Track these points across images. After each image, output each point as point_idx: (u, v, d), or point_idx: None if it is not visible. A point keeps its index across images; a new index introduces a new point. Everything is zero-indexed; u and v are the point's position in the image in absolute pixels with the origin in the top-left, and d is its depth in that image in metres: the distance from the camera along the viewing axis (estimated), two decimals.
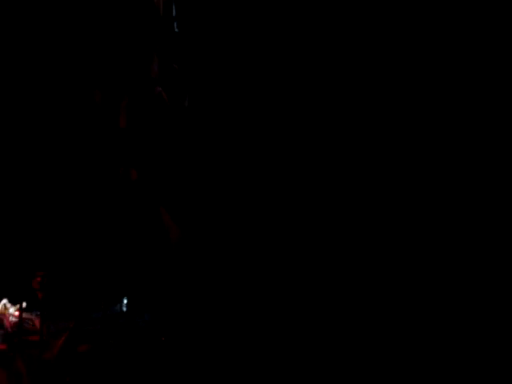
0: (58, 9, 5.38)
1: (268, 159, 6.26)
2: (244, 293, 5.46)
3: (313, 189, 6.38)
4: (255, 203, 5.63)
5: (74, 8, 5.30)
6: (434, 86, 6.32)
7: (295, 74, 6.42)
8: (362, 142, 6.47)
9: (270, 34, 6.33)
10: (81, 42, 5.26)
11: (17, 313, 5.35)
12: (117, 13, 5.12)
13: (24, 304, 5.31)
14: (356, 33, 6.47)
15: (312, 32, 6.50)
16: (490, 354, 5.66)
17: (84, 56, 5.24)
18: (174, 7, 5.35)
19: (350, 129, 6.52)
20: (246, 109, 6.26)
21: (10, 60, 5.51)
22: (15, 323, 5.30)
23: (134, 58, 5.08)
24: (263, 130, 6.28)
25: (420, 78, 6.36)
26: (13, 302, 5.39)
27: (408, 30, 6.37)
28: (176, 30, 5.47)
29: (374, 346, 5.91)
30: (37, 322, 5.30)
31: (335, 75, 6.47)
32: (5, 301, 5.39)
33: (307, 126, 6.43)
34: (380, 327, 5.98)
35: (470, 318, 5.80)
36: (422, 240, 6.14)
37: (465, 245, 6.01)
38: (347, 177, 6.46)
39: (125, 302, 5.10)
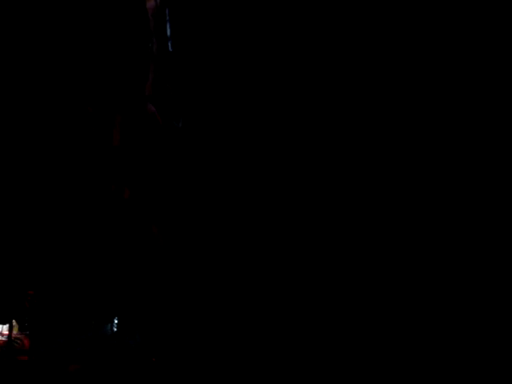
0: (53, 25, 5.35)
1: (258, 182, 6.25)
2: (232, 307, 5.42)
3: (302, 207, 6.36)
4: (242, 219, 5.61)
5: (68, 25, 5.27)
6: (433, 87, 6.31)
7: (289, 96, 6.42)
8: (361, 144, 6.45)
9: (263, 53, 6.32)
10: (75, 59, 5.23)
11: (6, 332, 5.27)
12: (110, 32, 5.10)
13: (13, 323, 5.23)
14: (355, 34, 6.46)
15: (307, 47, 6.50)
16: (490, 354, 5.63)
17: (78, 73, 5.21)
18: (168, 27, 5.32)
19: (349, 138, 6.50)
20: (239, 131, 6.25)
21: (3, 76, 5.47)
22: (4, 342, 5.21)
23: (128, 77, 5.05)
24: (255, 153, 6.27)
25: (420, 79, 6.36)
26: (2, 322, 5.31)
27: (408, 30, 6.36)
28: (170, 49, 5.45)
29: (374, 346, 5.87)
30: (26, 342, 5.22)
31: (333, 95, 6.47)
32: None
33: (301, 151, 6.42)
34: (380, 327, 5.94)
35: (469, 318, 5.78)
36: (422, 240, 6.12)
37: (464, 245, 6.00)
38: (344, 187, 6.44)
39: (115, 322, 5.04)
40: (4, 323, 5.27)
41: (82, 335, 4.97)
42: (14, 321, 5.18)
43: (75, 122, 5.08)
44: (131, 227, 4.89)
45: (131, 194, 4.90)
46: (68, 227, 5.10)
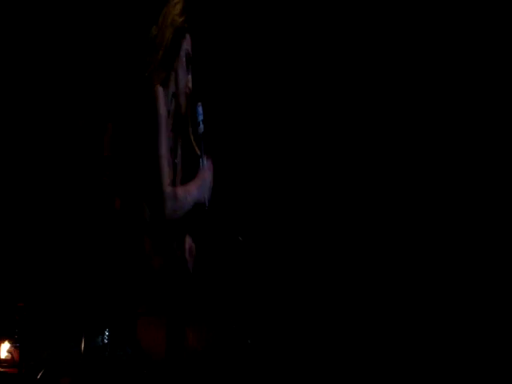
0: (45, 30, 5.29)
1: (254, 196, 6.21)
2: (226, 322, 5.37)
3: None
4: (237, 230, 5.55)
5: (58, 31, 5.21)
6: (434, 87, 6.25)
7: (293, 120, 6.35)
8: (364, 146, 6.41)
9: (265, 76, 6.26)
10: (65, 66, 5.17)
11: None
12: (101, 36, 5.02)
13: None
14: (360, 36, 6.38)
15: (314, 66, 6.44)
16: (490, 355, 5.61)
17: (67, 81, 5.15)
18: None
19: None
20: (230, 142, 6.20)
21: None
22: None
23: (120, 82, 4.98)
24: (247, 166, 6.22)
25: (420, 79, 6.29)
26: None
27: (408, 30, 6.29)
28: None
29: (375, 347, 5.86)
30: (16, 354, 5.20)
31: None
32: None
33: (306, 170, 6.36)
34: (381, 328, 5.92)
35: (470, 319, 5.76)
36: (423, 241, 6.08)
37: (465, 245, 5.96)
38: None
39: (107, 334, 4.99)
40: None
41: (73, 348, 4.93)
42: None
43: (65, 130, 5.03)
44: (122, 238, 4.83)
45: (122, 204, 4.83)
46: (58, 238, 5.05)
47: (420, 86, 6.32)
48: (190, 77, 4.60)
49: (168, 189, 4.37)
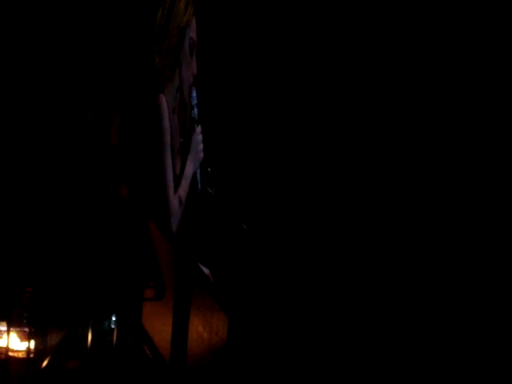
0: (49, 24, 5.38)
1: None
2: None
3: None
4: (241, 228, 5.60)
5: (66, 23, 5.30)
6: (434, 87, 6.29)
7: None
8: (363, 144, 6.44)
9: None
10: (72, 56, 5.25)
11: (3, 328, 5.29)
12: (108, 28, 5.12)
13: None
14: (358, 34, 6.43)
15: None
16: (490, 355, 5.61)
17: (76, 70, 5.23)
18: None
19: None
20: (235, 135, 6.27)
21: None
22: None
23: (127, 73, 5.07)
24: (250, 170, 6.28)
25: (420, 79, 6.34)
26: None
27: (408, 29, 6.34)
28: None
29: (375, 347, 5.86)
30: (24, 339, 5.26)
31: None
32: None
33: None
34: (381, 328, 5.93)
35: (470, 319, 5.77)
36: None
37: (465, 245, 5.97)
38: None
39: (113, 318, 5.06)
40: (1, 319, 5.29)
41: (80, 332, 4.99)
42: None
43: (73, 120, 5.12)
44: (129, 225, 4.91)
45: (129, 192, 4.92)
46: (66, 225, 5.12)
47: (420, 86, 6.38)
48: (194, 62, 4.71)
49: (172, 205, 4.58)
